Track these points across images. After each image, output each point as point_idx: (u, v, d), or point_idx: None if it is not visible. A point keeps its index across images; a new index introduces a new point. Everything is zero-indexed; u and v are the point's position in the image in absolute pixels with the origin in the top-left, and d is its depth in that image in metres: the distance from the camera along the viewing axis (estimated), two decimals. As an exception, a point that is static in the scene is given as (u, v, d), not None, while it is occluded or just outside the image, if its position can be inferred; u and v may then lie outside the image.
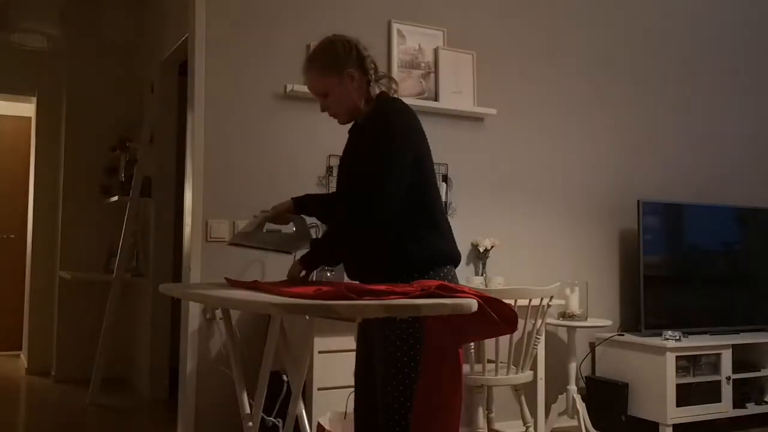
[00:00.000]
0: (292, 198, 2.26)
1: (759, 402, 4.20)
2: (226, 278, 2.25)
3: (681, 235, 4.30)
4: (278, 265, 3.34)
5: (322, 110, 2.13)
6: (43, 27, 4.83)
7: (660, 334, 3.95)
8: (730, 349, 4.03)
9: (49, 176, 5.47)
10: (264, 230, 2.19)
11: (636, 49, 4.55)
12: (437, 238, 2.02)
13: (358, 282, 2.02)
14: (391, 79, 2.18)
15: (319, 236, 3.19)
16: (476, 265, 3.83)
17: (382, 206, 1.91)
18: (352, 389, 2.91)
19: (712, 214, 4.40)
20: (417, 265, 1.98)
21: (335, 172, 3.14)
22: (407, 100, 2.27)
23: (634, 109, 4.52)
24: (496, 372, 3.02)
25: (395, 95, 2.15)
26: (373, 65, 2.12)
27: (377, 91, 2.12)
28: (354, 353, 2.97)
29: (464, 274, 3.79)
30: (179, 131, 4.52)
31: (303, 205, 2.24)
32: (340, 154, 2.21)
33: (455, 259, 2.06)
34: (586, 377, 4.11)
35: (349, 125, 2.21)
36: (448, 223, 2.09)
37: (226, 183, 3.36)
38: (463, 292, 1.76)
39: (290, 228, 2.23)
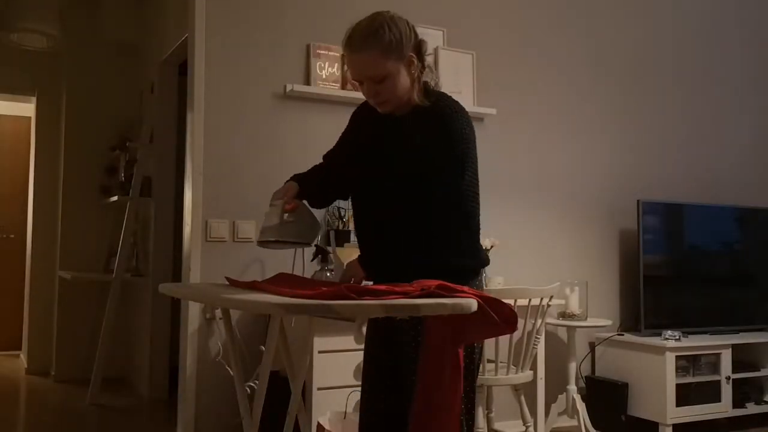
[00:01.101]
0: (295, 180, 2.05)
1: (759, 402, 4.20)
2: (226, 278, 2.24)
3: (681, 235, 4.30)
4: (278, 266, 3.34)
5: (369, 95, 1.91)
6: (43, 27, 4.82)
7: (660, 334, 3.95)
8: (730, 349, 4.03)
9: (49, 176, 5.47)
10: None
11: (636, 49, 4.55)
12: (480, 246, 2.03)
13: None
14: (432, 70, 1.99)
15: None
16: (476, 265, 3.83)
17: (475, 219, 1.96)
18: (352, 389, 2.91)
19: (712, 214, 4.40)
20: (468, 272, 1.97)
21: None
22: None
23: (634, 108, 4.52)
24: (496, 372, 3.02)
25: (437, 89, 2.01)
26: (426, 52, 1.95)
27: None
28: (353, 352, 2.99)
29: (464, 274, 3.79)
30: (179, 131, 4.52)
31: (308, 192, 2.04)
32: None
33: (486, 265, 2.06)
34: (585, 377, 4.11)
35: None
36: None
37: (226, 183, 3.36)
38: (463, 292, 1.76)
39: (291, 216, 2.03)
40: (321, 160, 2.19)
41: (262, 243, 2.02)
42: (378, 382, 2.05)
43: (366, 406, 2.07)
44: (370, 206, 2.02)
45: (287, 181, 2.08)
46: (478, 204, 1.96)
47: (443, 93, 1.98)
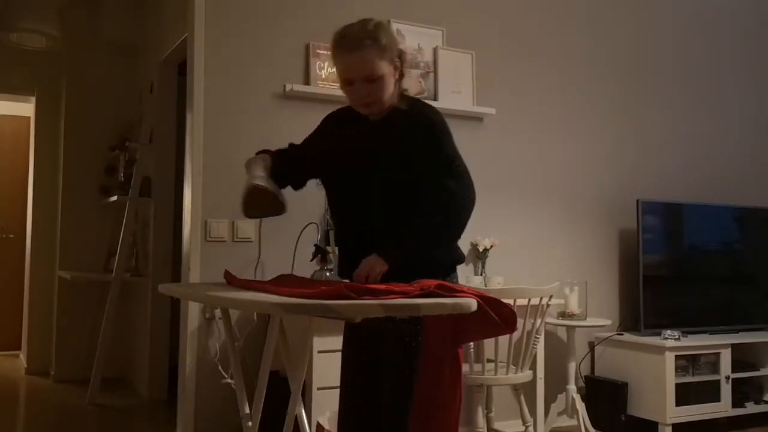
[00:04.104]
0: (268, 154, 2.10)
1: (758, 401, 4.20)
2: (226, 270, 2.24)
3: (680, 235, 4.30)
4: (278, 265, 3.34)
5: (359, 95, 1.94)
6: (42, 27, 4.81)
7: (659, 334, 3.95)
8: (730, 349, 4.03)
9: (48, 176, 5.46)
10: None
11: (636, 49, 4.55)
12: (456, 242, 2.06)
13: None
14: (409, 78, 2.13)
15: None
16: (475, 264, 3.83)
17: (467, 216, 2.01)
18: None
19: (711, 214, 4.40)
20: (448, 267, 2.04)
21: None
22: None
23: (634, 108, 4.52)
24: (496, 371, 3.02)
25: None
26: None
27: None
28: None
29: (464, 274, 3.79)
30: (179, 131, 4.52)
31: (280, 170, 2.08)
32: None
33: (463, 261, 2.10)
34: (585, 377, 4.11)
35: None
36: None
37: (226, 183, 3.36)
38: (463, 291, 1.76)
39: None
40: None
41: (254, 190, 1.97)
42: (351, 386, 2.08)
43: (343, 410, 2.09)
44: (355, 205, 2.05)
45: (258, 153, 2.11)
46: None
47: (416, 97, 2.08)
